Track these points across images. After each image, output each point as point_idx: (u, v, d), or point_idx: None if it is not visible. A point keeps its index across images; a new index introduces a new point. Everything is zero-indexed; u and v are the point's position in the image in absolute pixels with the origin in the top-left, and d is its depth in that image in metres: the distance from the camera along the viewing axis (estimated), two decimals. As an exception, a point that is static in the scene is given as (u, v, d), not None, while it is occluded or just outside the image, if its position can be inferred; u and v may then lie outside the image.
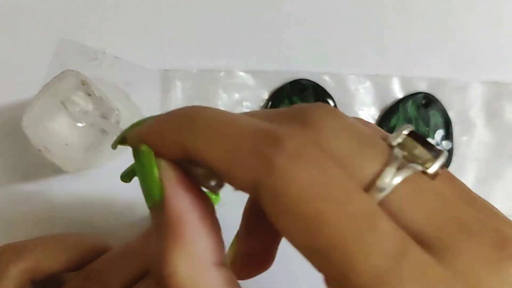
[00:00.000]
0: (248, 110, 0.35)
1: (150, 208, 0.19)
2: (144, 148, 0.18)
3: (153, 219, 0.19)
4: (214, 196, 0.37)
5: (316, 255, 0.15)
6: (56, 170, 0.32)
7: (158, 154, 0.18)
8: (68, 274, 0.30)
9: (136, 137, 0.19)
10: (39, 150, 0.28)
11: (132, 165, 0.22)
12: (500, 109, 0.36)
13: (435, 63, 0.36)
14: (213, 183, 0.19)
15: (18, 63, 0.35)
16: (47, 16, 0.35)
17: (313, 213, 0.14)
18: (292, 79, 0.35)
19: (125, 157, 0.34)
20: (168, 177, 0.18)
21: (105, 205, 0.34)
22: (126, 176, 0.23)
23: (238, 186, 0.17)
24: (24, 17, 0.35)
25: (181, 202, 0.18)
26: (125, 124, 0.29)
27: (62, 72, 0.29)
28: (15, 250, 0.27)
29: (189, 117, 0.18)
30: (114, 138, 0.28)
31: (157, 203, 0.18)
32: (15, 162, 0.34)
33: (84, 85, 0.29)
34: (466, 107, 0.36)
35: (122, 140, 0.21)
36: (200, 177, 0.19)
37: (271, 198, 0.15)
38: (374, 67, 0.36)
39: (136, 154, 0.19)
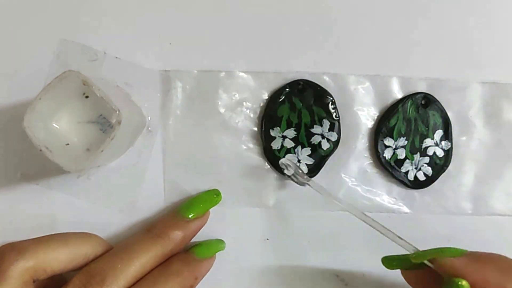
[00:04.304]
0: (248, 111, 0.35)
1: None
2: (465, 284, 0.25)
3: None
4: (215, 196, 0.37)
5: None
6: (57, 170, 0.32)
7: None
8: (69, 274, 0.30)
9: (454, 269, 0.26)
10: (40, 150, 0.28)
11: (402, 256, 0.30)
12: (499, 109, 0.36)
13: (434, 64, 0.36)
14: None
15: (19, 63, 0.35)
16: (47, 17, 0.35)
17: None
18: (292, 79, 0.35)
19: (125, 157, 0.34)
20: None
21: (105, 205, 0.35)
22: (389, 264, 0.31)
23: None
24: (24, 18, 0.35)
25: None
26: (125, 124, 0.29)
27: (63, 73, 0.29)
28: (17, 250, 0.27)
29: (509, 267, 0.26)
30: (115, 138, 0.28)
31: None
32: (16, 162, 0.34)
33: (85, 86, 0.29)
34: (465, 107, 0.36)
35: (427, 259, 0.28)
36: None
37: None
38: (373, 67, 0.36)
39: (451, 283, 0.26)
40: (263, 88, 0.35)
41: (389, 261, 0.31)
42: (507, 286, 0.25)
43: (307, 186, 0.33)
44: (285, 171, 0.34)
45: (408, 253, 0.29)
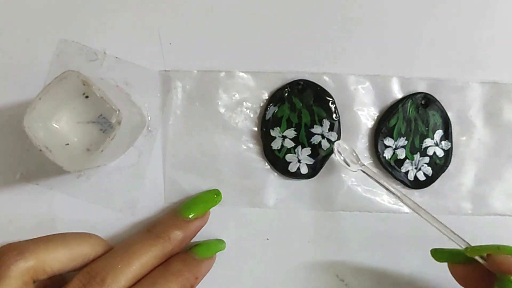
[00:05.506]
0: (248, 111, 0.35)
1: None
2: None
3: None
4: (215, 196, 0.37)
5: None
6: (57, 170, 0.32)
7: None
8: (69, 274, 0.30)
9: (510, 267, 0.27)
10: (40, 150, 0.28)
11: (452, 250, 0.30)
12: (499, 109, 0.36)
13: (434, 64, 0.36)
14: None
15: (19, 63, 0.35)
16: (47, 17, 0.35)
17: None
18: (292, 80, 0.35)
19: (125, 157, 0.34)
20: None
21: (105, 205, 0.35)
22: (439, 257, 0.31)
23: None
24: (24, 18, 0.35)
25: None
26: (125, 124, 0.29)
27: (63, 73, 0.29)
28: (17, 250, 0.27)
29: None
30: (115, 138, 0.28)
31: None
32: (16, 162, 0.34)
33: (85, 86, 0.29)
34: (465, 107, 0.36)
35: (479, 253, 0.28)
36: None
37: None
38: (373, 67, 0.36)
39: (506, 281, 0.27)
40: (263, 88, 0.35)
41: (439, 254, 0.31)
42: None
43: (359, 171, 0.33)
44: (337, 156, 0.34)
45: (458, 247, 0.30)
